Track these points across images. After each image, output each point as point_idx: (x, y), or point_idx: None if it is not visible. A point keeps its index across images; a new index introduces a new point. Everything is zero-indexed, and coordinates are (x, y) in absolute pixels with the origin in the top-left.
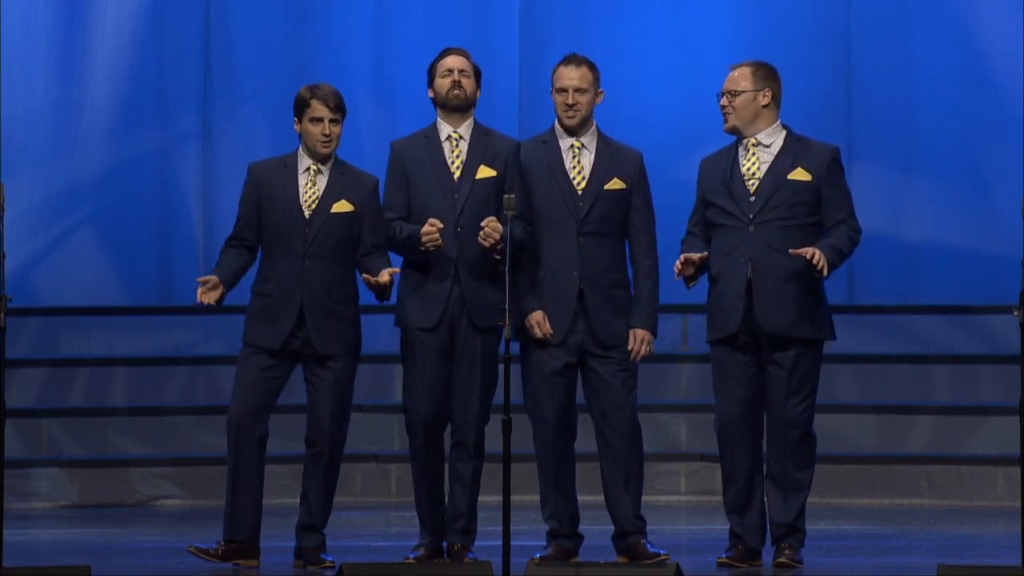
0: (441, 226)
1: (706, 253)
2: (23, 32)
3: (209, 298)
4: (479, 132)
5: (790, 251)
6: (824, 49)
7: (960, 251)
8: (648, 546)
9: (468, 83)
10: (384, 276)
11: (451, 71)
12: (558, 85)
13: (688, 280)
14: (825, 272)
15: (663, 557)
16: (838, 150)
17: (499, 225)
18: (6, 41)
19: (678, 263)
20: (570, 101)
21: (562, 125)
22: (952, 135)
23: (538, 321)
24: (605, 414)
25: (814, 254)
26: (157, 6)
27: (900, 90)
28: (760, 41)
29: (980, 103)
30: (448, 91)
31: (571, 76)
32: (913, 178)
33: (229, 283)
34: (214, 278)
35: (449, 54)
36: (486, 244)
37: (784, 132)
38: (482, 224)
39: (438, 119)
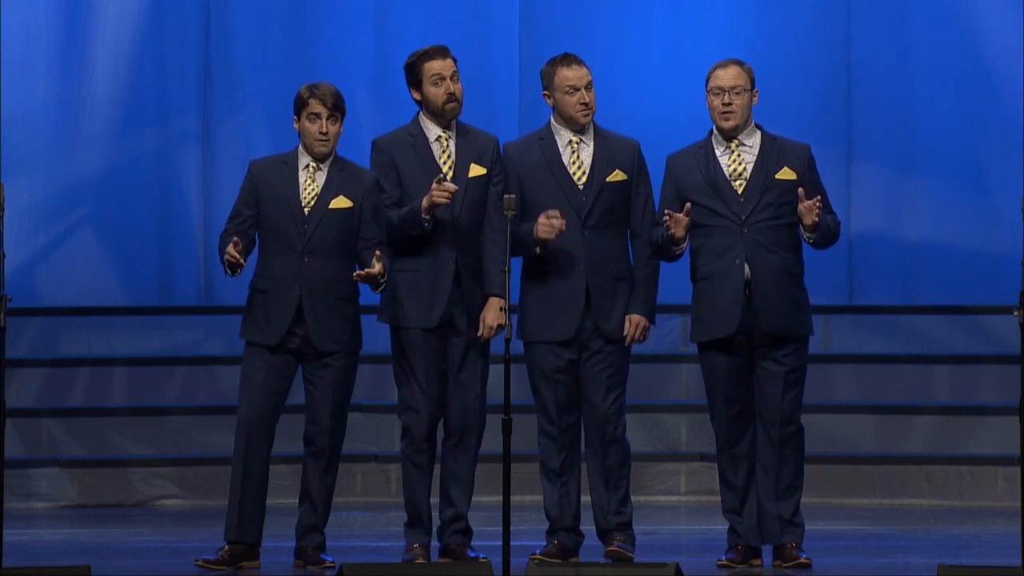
0: (455, 188)
1: (688, 206)
2: (23, 31)
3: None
4: (462, 131)
5: (802, 206)
6: (824, 49)
7: (960, 251)
8: (622, 547)
9: (459, 89)
10: (376, 265)
11: (443, 78)
12: (570, 84)
13: (679, 243)
14: (816, 223)
15: (628, 555)
16: (810, 147)
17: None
18: (6, 41)
19: (668, 220)
20: (586, 100)
21: (576, 124)
22: (952, 135)
23: (547, 216)
24: (589, 415)
25: (813, 205)
26: (157, 6)
27: (900, 90)
28: (760, 41)
29: (980, 103)
30: (445, 103)
31: (581, 75)
32: (913, 178)
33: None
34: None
35: (435, 56)
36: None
37: (759, 131)
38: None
39: (423, 119)
